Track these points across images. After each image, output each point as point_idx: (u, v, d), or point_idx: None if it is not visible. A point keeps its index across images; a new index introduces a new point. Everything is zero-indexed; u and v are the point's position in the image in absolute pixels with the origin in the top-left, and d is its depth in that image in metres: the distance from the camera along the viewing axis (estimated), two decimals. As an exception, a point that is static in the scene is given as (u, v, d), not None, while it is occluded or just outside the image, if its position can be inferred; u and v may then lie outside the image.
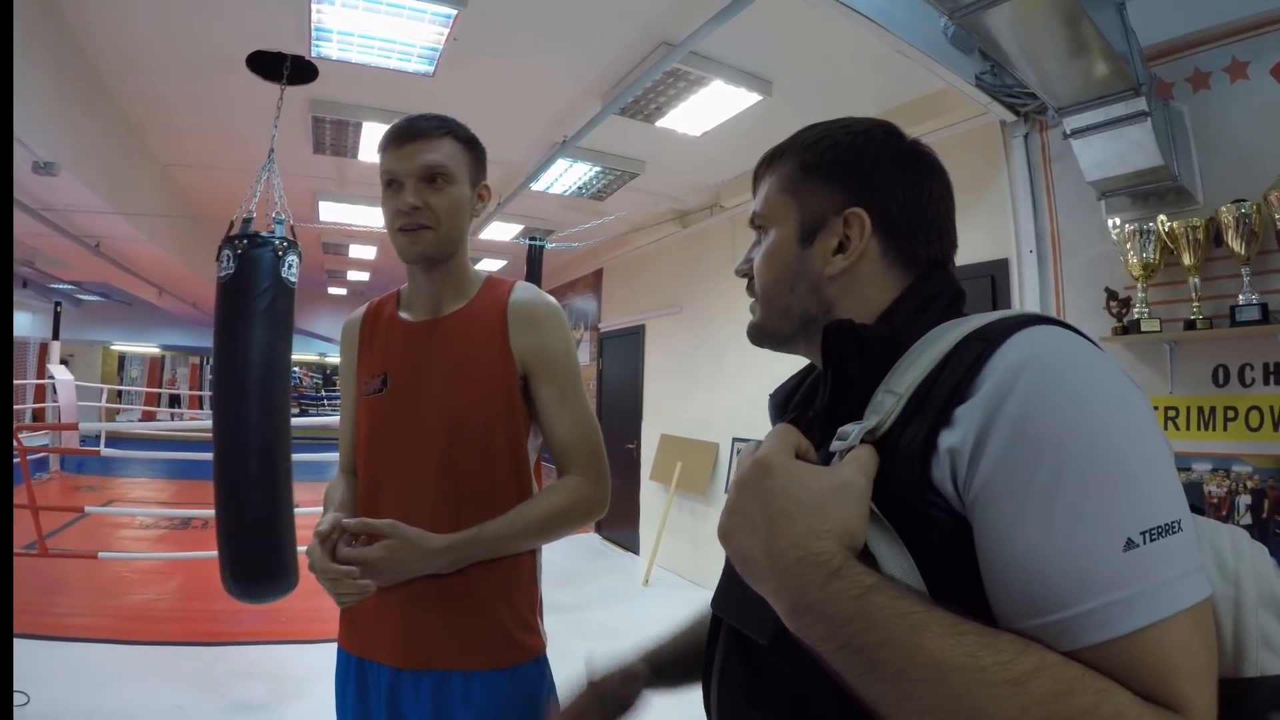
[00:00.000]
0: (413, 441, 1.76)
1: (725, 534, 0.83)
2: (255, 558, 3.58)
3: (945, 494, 0.77)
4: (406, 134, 1.75)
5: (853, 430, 0.84)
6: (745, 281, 1.12)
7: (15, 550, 5.97)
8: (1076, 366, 0.77)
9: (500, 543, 1.71)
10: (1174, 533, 0.68)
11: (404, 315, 1.90)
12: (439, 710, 1.68)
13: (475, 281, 1.91)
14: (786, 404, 1.14)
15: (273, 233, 3.73)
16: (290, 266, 3.69)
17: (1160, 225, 3.20)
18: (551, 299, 1.92)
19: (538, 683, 1.76)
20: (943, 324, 0.89)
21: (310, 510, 8.99)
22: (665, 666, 1.38)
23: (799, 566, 0.73)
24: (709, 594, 1.03)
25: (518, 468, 1.80)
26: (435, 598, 1.69)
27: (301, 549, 2.17)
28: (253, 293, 3.56)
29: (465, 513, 1.71)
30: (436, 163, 1.74)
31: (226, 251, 3.58)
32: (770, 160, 1.11)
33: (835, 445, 0.85)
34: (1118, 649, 0.66)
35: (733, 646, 0.98)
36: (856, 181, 1.00)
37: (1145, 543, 0.67)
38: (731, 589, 0.92)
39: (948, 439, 0.77)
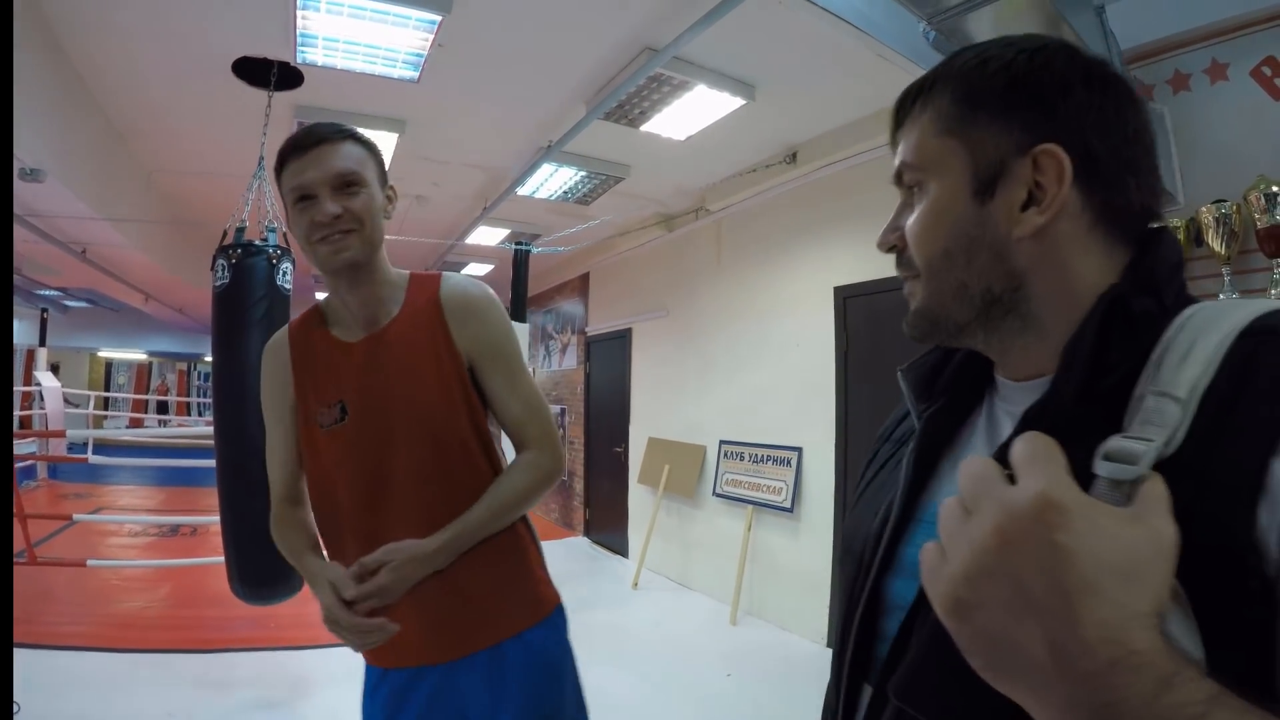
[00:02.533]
0: (389, 461, 1.76)
1: (963, 608, 0.57)
2: (261, 562, 3.65)
3: (1265, 552, 0.55)
4: (306, 143, 1.71)
5: (1141, 450, 0.59)
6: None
7: (2, 559, 5.95)
8: None
9: (483, 528, 1.75)
10: None
11: (338, 335, 1.86)
12: (493, 684, 1.76)
13: (400, 283, 1.88)
14: (931, 384, 0.92)
15: (266, 241, 3.77)
16: (285, 274, 3.75)
17: (1141, 226, 3.22)
18: (483, 285, 1.91)
19: (563, 627, 1.90)
20: (1194, 307, 0.69)
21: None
22: None
23: (1114, 672, 0.49)
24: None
25: (487, 450, 1.84)
26: (448, 589, 1.74)
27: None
28: (249, 302, 3.62)
29: (458, 508, 1.75)
30: (347, 169, 1.70)
31: (221, 261, 3.64)
32: (916, 95, 0.85)
33: (1107, 469, 0.60)
34: None
35: None
36: (1045, 111, 0.75)
37: None
38: (930, 674, 0.68)
39: None
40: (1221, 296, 3.01)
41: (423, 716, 1.80)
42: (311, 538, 1.86)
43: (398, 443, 1.76)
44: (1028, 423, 0.70)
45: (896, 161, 0.85)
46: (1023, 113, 0.75)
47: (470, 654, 1.77)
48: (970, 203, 0.78)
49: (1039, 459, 0.56)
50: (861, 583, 0.86)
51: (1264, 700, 0.48)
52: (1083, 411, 0.67)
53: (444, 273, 1.92)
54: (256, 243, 3.71)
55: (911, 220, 0.83)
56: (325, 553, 1.84)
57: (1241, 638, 0.54)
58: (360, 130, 1.80)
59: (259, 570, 3.68)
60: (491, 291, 1.92)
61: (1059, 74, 0.75)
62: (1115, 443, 0.61)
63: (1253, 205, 2.92)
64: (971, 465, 0.59)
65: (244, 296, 3.62)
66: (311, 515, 1.89)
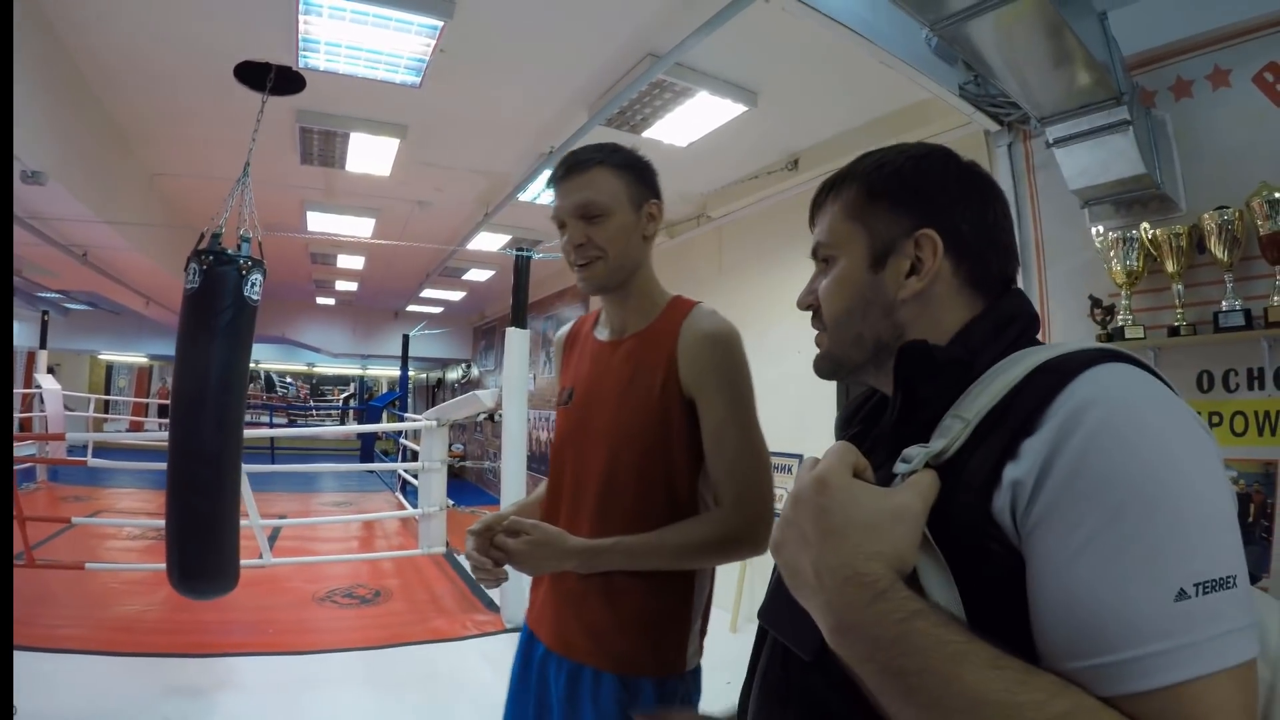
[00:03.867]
0: (584, 454, 1.89)
1: (777, 546, 0.84)
2: (201, 560, 3.87)
3: (1004, 526, 0.76)
4: (561, 172, 1.86)
5: (917, 454, 0.83)
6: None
7: (1, 562, 5.94)
8: (1148, 408, 0.75)
9: (633, 557, 1.75)
10: (1228, 588, 0.67)
11: (598, 334, 2.04)
12: (571, 696, 1.80)
13: (660, 302, 1.96)
14: (850, 421, 1.14)
15: (239, 250, 3.81)
16: (253, 285, 3.81)
17: (1143, 233, 3.22)
18: (728, 324, 1.87)
19: (687, 695, 1.85)
20: (1016, 352, 0.88)
21: (297, 521, 8.92)
22: None
23: (846, 586, 0.73)
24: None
25: (674, 493, 1.81)
26: (585, 595, 1.81)
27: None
28: (215, 309, 3.71)
29: (616, 526, 1.78)
30: (588, 200, 1.83)
31: (194, 265, 3.70)
32: (828, 190, 1.10)
33: (898, 467, 0.84)
34: (1156, 700, 0.64)
35: (775, 657, 0.97)
36: (925, 203, 0.99)
37: (1197, 595, 0.65)
38: (779, 601, 0.91)
39: (1013, 472, 0.76)
40: (1224, 304, 3.01)
41: (536, 688, 1.91)
42: (534, 497, 2.15)
43: (593, 439, 1.87)
44: (872, 441, 0.97)
45: (814, 241, 1.11)
46: (908, 204, 0.99)
47: (580, 663, 1.80)
48: (867, 272, 1.01)
49: (828, 454, 0.84)
50: None
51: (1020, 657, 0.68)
52: (904, 433, 0.89)
53: (700, 303, 1.95)
54: (229, 251, 3.77)
55: (823, 286, 1.07)
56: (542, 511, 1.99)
57: (999, 595, 0.74)
58: (626, 149, 1.94)
59: (198, 567, 3.89)
60: (733, 332, 1.86)
61: (937, 176, 1.01)
62: (908, 450, 0.84)
63: (1255, 212, 2.92)
64: (803, 460, 0.90)
65: (211, 303, 3.71)
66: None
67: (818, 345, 1.10)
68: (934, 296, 0.98)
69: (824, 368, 1.10)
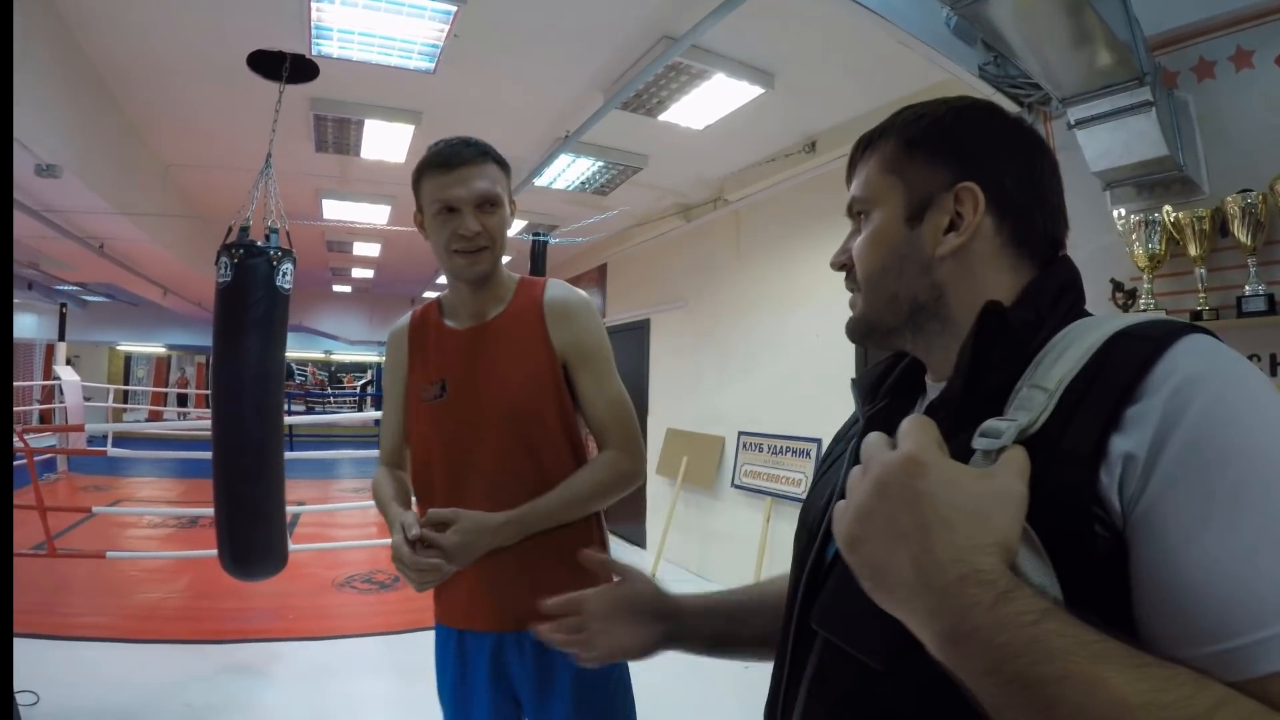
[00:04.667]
0: (478, 437, 1.95)
1: (854, 541, 0.74)
2: (251, 544, 4.05)
3: (1109, 505, 0.69)
4: (455, 161, 1.92)
5: (1004, 428, 0.75)
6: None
7: (24, 551, 6.00)
8: (1255, 382, 0.71)
9: (552, 515, 1.92)
10: None
11: (449, 324, 2.09)
12: (541, 666, 1.92)
13: (510, 285, 2.09)
14: (875, 390, 1.09)
15: (268, 241, 3.90)
16: (284, 275, 3.92)
17: (1166, 216, 3.18)
18: (582, 293, 2.12)
19: None
20: (1082, 319, 0.84)
21: (316, 508, 8.98)
22: (702, 621, 1.34)
23: (962, 585, 0.64)
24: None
25: (574, 448, 2.02)
26: (521, 567, 1.90)
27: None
28: (248, 301, 3.82)
29: (525, 494, 1.91)
30: (488, 190, 1.92)
31: (224, 259, 3.81)
32: (867, 144, 1.03)
33: (981, 443, 0.76)
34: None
35: (833, 662, 0.90)
36: (966, 156, 0.94)
37: None
38: (840, 603, 0.83)
39: (1121, 443, 0.69)
40: (1247, 288, 2.98)
41: (490, 683, 1.97)
42: (399, 491, 2.10)
43: (487, 422, 1.95)
44: (929, 413, 0.85)
45: (849, 197, 1.04)
46: (949, 156, 0.94)
47: (520, 630, 1.89)
48: (903, 228, 0.95)
49: (911, 431, 0.74)
50: (810, 549, 1.01)
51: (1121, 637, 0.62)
52: (971, 403, 0.82)
53: (550, 279, 2.14)
54: (259, 243, 3.86)
55: (857, 242, 1.01)
56: (416, 511, 1.99)
57: (1095, 580, 0.68)
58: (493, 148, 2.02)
59: (249, 551, 4.07)
60: (589, 299, 2.13)
61: (980, 128, 0.97)
62: (989, 423, 0.76)
63: (1279, 195, 2.88)
64: (869, 438, 0.78)
65: (244, 296, 3.82)
66: (407, 477, 2.16)
67: (851, 308, 1.04)
68: (974, 255, 0.93)
69: (857, 331, 1.04)
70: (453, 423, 1.98)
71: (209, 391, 4.17)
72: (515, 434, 1.94)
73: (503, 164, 2.01)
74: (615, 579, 1.38)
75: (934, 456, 0.71)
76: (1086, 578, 0.68)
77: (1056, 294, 0.90)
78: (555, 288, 2.08)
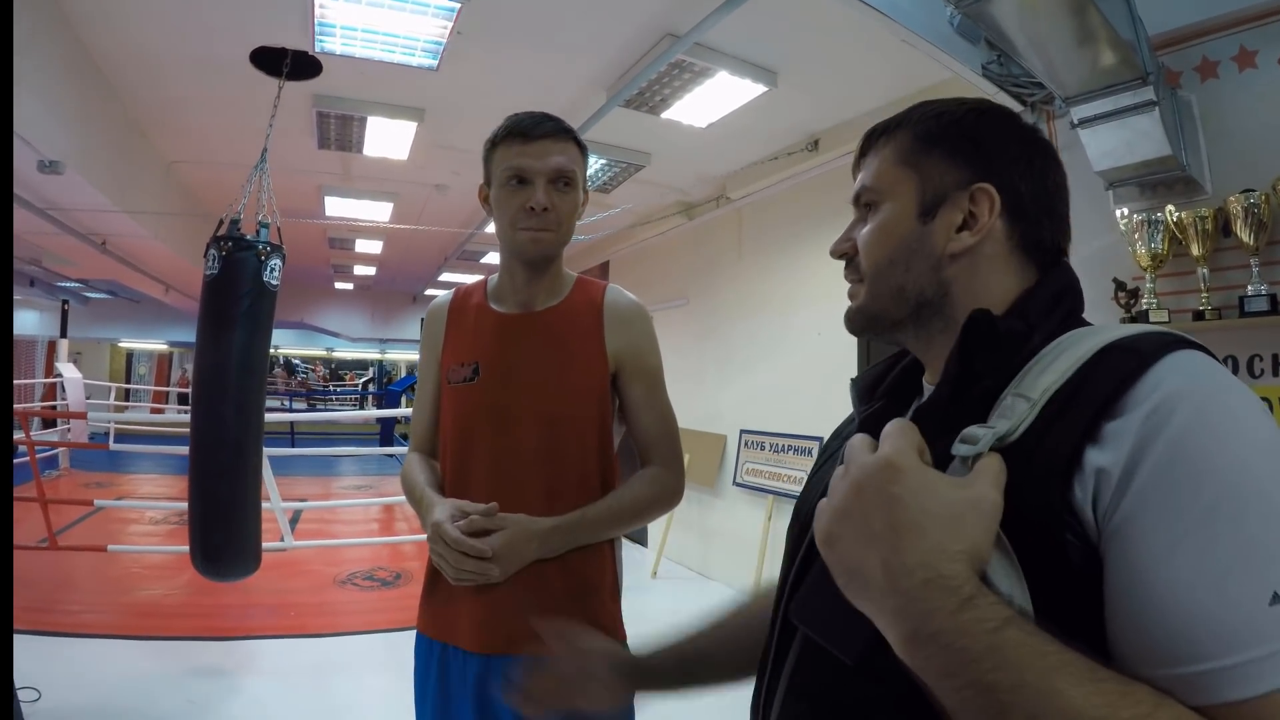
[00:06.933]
0: (507, 430, 1.82)
1: (829, 540, 0.76)
2: (222, 543, 3.93)
3: (1083, 519, 0.69)
4: (536, 131, 1.79)
5: (982, 435, 0.75)
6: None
7: (27, 546, 6.00)
8: (1238, 404, 0.71)
9: (598, 527, 1.81)
10: None
11: (494, 307, 1.95)
12: None
13: (568, 281, 1.98)
14: (872, 392, 1.08)
15: (258, 235, 3.85)
16: (273, 270, 3.85)
17: (1168, 215, 3.17)
18: (640, 303, 2.01)
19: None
20: (1076, 330, 0.83)
21: (317, 505, 8.96)
22: (667, 669, 1.34)
23: (927, 589, 0.66)
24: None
25: (604, 460, 1.89)
26: (524, 584, 1.73)
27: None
28: (234, 295, 3.75)
29: (557, 501, 1.78)
30: (566, 167, 1.80)
31: (213, 251, 3.76)
32: (879, 134, 1.02)
33: (960, 449, 0.76)
34: (1248, 710, 0.60)
35: (809, 657, 0.91)
36: (984, 157, 0.93)
37: None
38: (817, 598, 0.83)
39: (1096, 458, 0.70)
40: (1250, 289, 2.98)
41: (475, 714, 1.77)
42: (432, 478, 1.93)
43: (518, 415, 1.82)
44: (916, 417, 0.86)
45: (857, 186, 1.02)
46: (968, 156, 0.94)
47: (510, 655, 1.69)
48: (915, 222, 0.95)
49: (892, 435, 0.76)
50: (800, 543, 1.00)
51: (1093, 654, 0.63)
52: (957, 409, 0.82)
53: (611, 283, 2.01)
54: (248, 237, 3.81)
55: (864, 232, 0.99)
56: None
57: (1069, 591, 0.69)
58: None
59: (219, 550, 3.95)
60: (646, 308, 2.03)
61: (999, 132, 0.96)
62: (968, 430, 0.76)
63: (1282, 194, 2.88)
64: (852, 440, 0.80)
65: (230, 290, 3.76)
66: (438, 464, 1.96)
67: (851, 298, 1.02)
68: (983, 256, 0.93)
69: (856, 322, 1.02)
70: (478, 408, 1.85)
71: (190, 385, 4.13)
72: (543, 433, 1.81)
73: (583, 148, 1.89)
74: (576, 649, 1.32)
75: (910, 462, 0.73)
76: (1060, 588, 0.69)
77: (1050, 302, 0.91)
78: (616, 292, 1.98)
